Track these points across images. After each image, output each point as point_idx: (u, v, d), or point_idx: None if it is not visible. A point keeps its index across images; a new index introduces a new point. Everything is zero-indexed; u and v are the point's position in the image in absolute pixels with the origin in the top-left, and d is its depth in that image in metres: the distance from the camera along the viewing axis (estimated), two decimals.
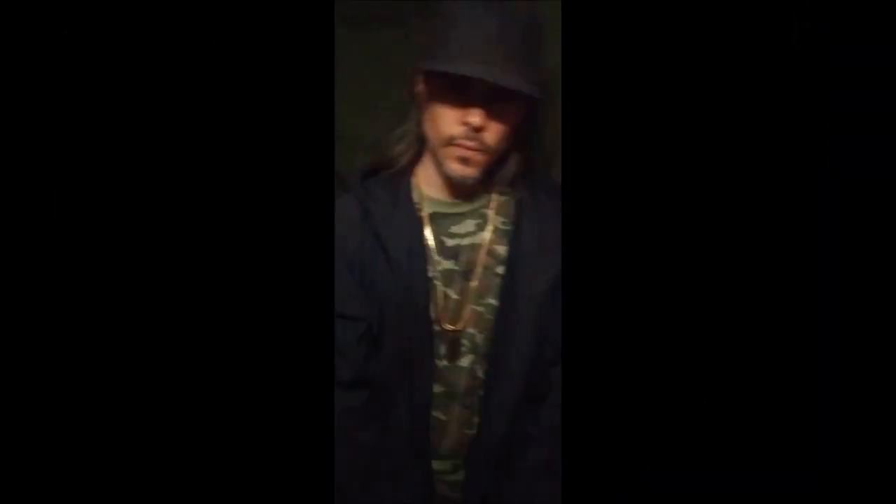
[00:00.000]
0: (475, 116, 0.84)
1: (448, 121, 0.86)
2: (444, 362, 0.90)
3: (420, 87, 0.90)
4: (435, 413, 0.91)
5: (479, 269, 0.91)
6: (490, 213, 0.93)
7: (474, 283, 0.90)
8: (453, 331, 0.90)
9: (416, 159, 0.95)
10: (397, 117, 1.41)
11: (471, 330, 0.90)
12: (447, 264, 0.91)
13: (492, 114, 0.85)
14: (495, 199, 0.93)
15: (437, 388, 0.91)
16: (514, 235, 0.92)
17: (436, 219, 0.93)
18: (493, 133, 0.86)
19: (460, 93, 0.84)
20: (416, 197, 0.94)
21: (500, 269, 0.91)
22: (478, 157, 0.87)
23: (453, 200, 0.93)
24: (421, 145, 0.93)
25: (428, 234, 0.92)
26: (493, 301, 0.90)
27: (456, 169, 0.87)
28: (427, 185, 0.94)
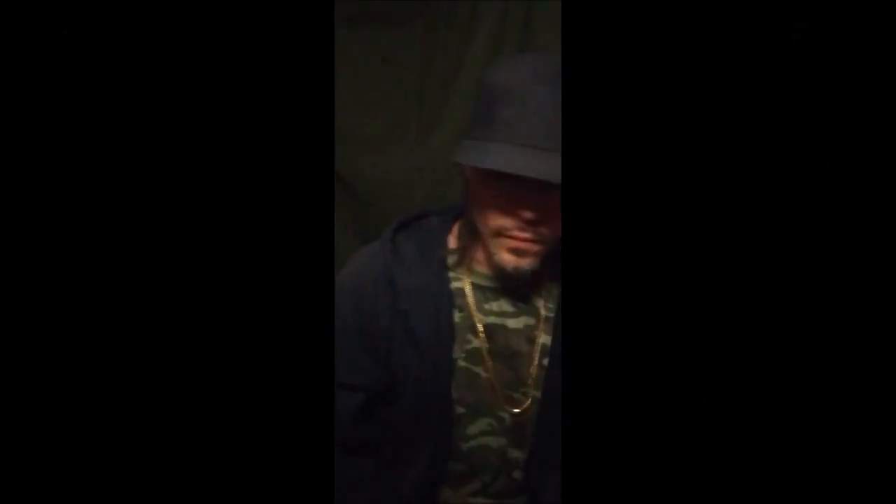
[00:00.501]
0: (526, 212, 0.74)
1: (496, 213, 0.76)
2: (475, 442, 0.82)
3: (464, 173, 0.79)
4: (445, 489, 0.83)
5: (519, 357, 0.81)
6: (535, 296, 0.83)
7: (513, 372, 0.81)
8: (517, 413, 0.80)
9: (461, 214, 0.84)
10: (397, 117, 1.41)
11: (507, 417, 0.81)
12: (478, 343, 0.81)
13: (548, 203, 0.73)
14: (546, 283, 0.83)
15: (458, 467, 0.83)
16: (558, 323, 0.81)
17: (472, 291, 0.82)
18: (551, 222, 0.75)
19: (508, 181, 0.72)
20: (451, 261, 0.83)
21: (545, 361, 0.81)
22: (534, 247, 0.77)
23: (499, 280, 0.82)
24: (471, 231, 0.81)
25: (460, 306, 0.81)
26: (535, 393, 0.81)
27: (508, 260, 0.77)
28: (470, 257, 0.83)
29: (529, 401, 0.81)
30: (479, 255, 0.82)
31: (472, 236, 0.81)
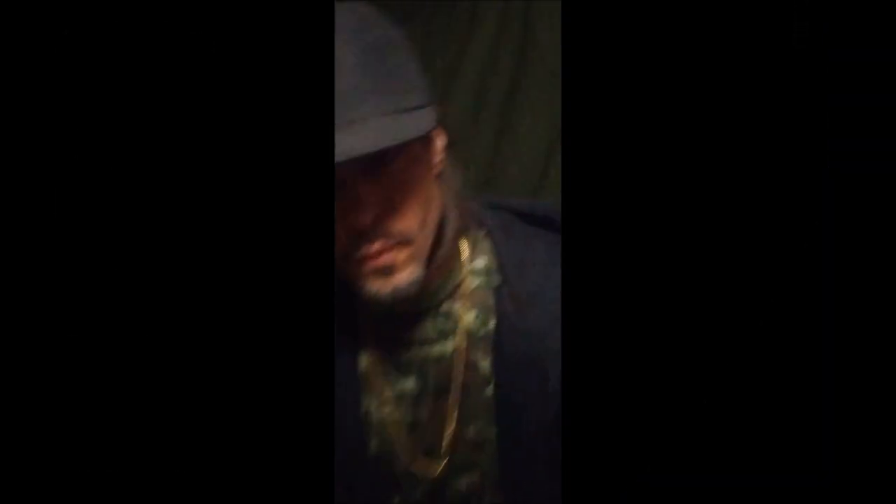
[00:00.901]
0: (361, 212, 0.59)
1: (338, 241, 0.60)
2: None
3: None
4: None
5: (455, 391, 0.65)
6: (456, 306, 0.67)
7: (451, 411, 0.65)
8: (433, 477, 0.65)
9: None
10: None
11: (457, 470, 0.66)
12: (399, 386, 0.66)
13: (382, 188, 0.60)
14: (465, 280, 0.66)
15: None
16: (497, 330, 0.66)
17: (377, 326, 0.67)
18: (402, 215, 0.60)
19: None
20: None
21: (488, 390, 0.66)
22: (401, 255, 0.61)
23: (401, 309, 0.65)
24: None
25: (366, 355, 0.67)
26: (487, 434, 0.66)
27: (379, 287, 0.61)
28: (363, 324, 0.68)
29: (443, 464, 0.66)
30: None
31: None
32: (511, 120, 1.56)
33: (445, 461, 0.64)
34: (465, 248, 0.68)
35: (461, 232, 0.67)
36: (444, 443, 0.64)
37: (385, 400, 0.66)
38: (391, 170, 0.60)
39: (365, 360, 0.67)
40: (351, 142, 0.58)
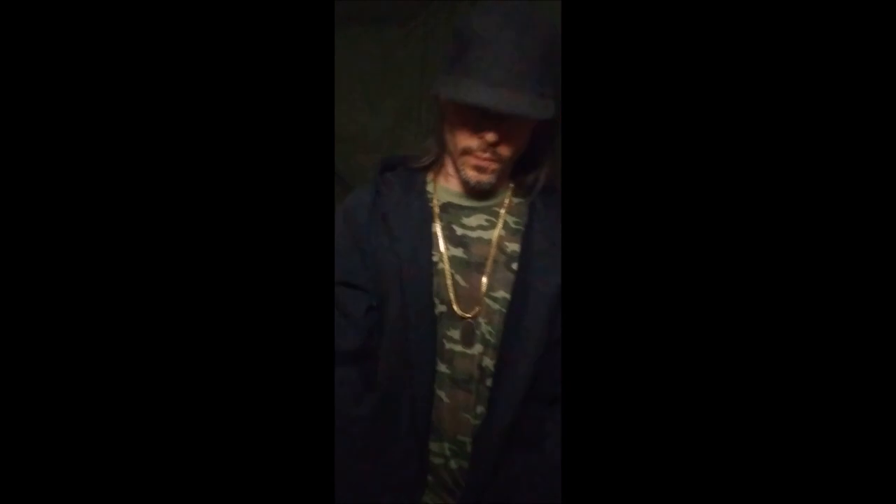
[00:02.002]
0: (490, 134, 0.88)
1: (465, 134, 0.91)
2: (457, 346, 0.92)
3: (439, 101, 0.93)
4: (438, 392, 0.92)
5: (489, 263, 0.94)
6: (502, 211, 0.97)
7: (485, 276, 0.93)
8: (467, 318, 0.92)
9: (436, 161, 0.99)
10: (397, 117, 1.41)
11: (482, 320, 0.92)
12: (455, 251, 0.94)
13: (507, 130, 0.89)
14: (508, 200, 0.98)
15: (442, 369, 0.92)
16: (525, 235, 0.95)
17: (447, 209, 0.97)
18: (508, 147, 0.91)
19: (475, 110, 0.87)
20: (430, 188, 0.99)
21: (514, 265, 0.94)
22: (493, 165, 0.92)
23: (468, 197, 0.97)
24: (442, 149, 0.98)
25: (437, 221, 0.96)
26: (504, 294, 0.93)
27: (472, 175, 0.93)
28: (445, 180, 0.99)
29: (497, 304, 0.93)
30: (450, 171, 0.98)
31: (443, 154, 0.98)
32: None
33: (477, 308, 0.93)
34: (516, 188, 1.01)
35: (538, 179, 0.98)
36: (480, 294, 0.93)
37: (444, 258, 0.94)
38: (519, 123, 0.90)
39: (437, 227, 0.96)
40: (515, 103, 0.85)
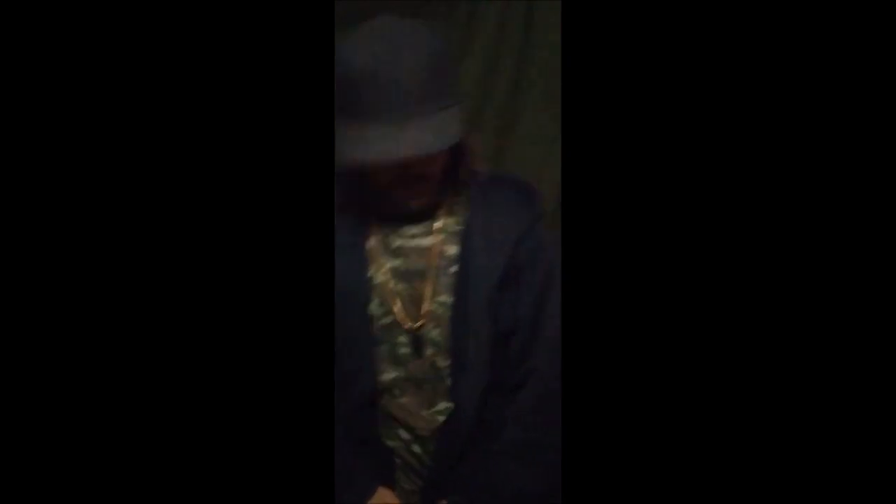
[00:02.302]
0: (413, 169, 0.84)
1: (380, 176, 0.86)
2: (407, 352, 0.93)
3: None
4: (401, 400, 0.93)
5: (431, 271, 0.92)
6: (438, 213, 0.94)
7: (427, 284, 0.92)
8: (414, 328, 0.92)
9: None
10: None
11: (430, 326, 0.92)
12: (395, 262, 0.93)
13: (419, 165, 0.84)
14: (446, 205, 0.94)
15: (397, 374, 0.93)
16: (464, 234, 0.93)
17: (382, 220, 0.94)
18: (431, 167, 0.86)
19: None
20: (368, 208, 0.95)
21: (453, 269, 0.92)
22: (424, 187, 0.88)
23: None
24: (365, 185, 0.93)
25: (373, 235, 0.93)
26: (447, 298, 0.92)
27: (409, 206, 0.89)
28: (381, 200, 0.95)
29: (443, 308, 0.93)
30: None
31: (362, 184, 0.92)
32: (511, 120, 1.56)
33: (422, 320, 0.92)
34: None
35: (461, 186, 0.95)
36: (425, 301, 0.92)
37: (383, 271, 0.93)
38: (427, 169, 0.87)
39: (372, 241, 0.93)
40: (405, 143, 0.81)
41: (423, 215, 0.94)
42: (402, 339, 0.93)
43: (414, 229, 0.94)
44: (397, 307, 0.92)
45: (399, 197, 0.89)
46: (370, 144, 0.80)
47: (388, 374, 0.93)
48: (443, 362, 0.93)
